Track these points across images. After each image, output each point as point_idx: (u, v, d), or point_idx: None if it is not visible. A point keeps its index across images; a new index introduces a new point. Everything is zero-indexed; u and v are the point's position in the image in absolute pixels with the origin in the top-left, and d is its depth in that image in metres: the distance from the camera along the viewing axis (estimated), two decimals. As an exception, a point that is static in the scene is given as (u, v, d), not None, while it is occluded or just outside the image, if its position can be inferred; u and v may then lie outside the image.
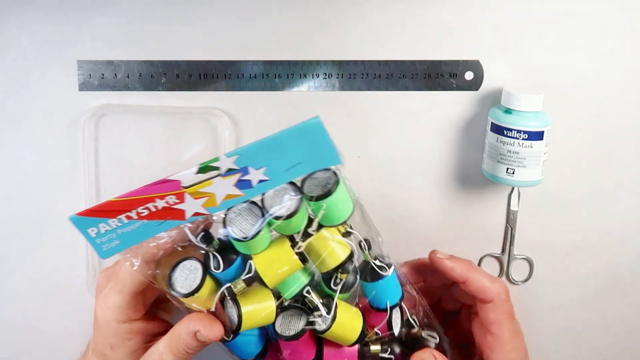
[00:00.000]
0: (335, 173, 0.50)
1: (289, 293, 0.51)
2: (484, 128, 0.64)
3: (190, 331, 0.50)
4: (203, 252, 0.51)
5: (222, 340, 0.52)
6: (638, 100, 0.65)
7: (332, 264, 0.51)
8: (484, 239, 0.68)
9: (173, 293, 0.50)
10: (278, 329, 0.51)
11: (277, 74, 0.62)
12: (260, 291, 0.51)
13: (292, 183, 0.49)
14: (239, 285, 0.50)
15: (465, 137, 0.65)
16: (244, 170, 0.48)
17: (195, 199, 0.48)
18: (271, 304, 0.51)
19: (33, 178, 0.63)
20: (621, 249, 0.68)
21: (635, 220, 0.68)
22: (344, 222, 0.51)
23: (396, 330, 0.55)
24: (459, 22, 0.62)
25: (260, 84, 0.62)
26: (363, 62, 0.62)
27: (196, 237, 0.50)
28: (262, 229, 0.49)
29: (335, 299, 0.52)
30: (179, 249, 0.51)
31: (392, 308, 0.54)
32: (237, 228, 0.49)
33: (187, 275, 0.50)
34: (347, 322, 0.52)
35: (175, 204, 0.48)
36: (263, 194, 0.49)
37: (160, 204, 0.48)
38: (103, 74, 0.61)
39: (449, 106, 0.64)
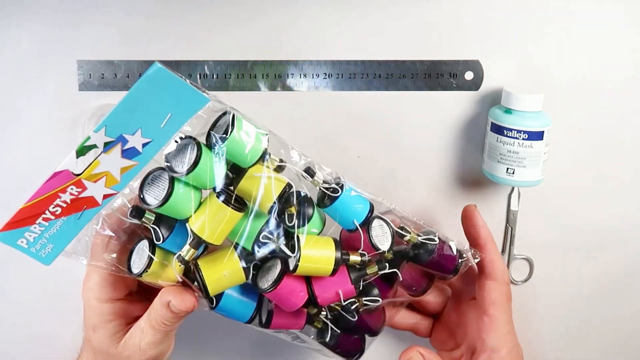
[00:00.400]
0: (230, 113, 0.50)
1: (248, 243, 0.51)
2: (484, 128, 0.64)
3: (164, 302, 0.51)
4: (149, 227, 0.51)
5: (211, 308, 0.52)
6: (638, 100, 0.65)
7: (268, 200, 0.50)
8: (484, 239, 0.68)
9: (130, 276, 0.51)
10: (259, 284, 0.51)
11: (277, 74, 0.62)
12: (222, 252, 0.51)
13: (191, 137, 0.49)
14: (189, 252, 0.50)
15: (465, 137, 0.65)
16: (122, 139, 0.48)
17: (95, 182, 0.49)
18: (235, 262, 0.51)
19: (33, 178, 0.63)
20: (621, 248, 0.68)
21: (635, 220, 0.68)
22: (262, 158, 0.51)
23: (385, 245, 0.53)
24: (459, 22, 0.62)
25: (261, 84, 0.62)
26: (363, 62, 0.62)
27: (127, 216, 0.50)
28: (174, 189, 0.48)
29: (296, 234, 0.51)
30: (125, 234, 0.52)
31: (362, 226, 0.53)
32: (151, 196, 0.49)
33: (141, 255, 0.51)
34: (316, 253, 0.51)
35: (80, 192, 0.49)
36: (167, 157, 0.49)
37: (67, 197, 0.48)
38: (103, 74, 0.61)
39: (449, 106, 0.64)
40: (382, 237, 0.54)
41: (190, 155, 0.49)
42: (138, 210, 0.50)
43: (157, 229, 0.51)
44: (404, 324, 0.63)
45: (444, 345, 0.62)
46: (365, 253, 0.53)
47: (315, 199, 0.54)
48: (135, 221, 0.50)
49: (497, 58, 0.63)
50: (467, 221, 0.59)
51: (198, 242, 0.50)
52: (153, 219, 0.51)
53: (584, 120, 0.65)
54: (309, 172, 0.53)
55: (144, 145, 0.49)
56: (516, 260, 0.68)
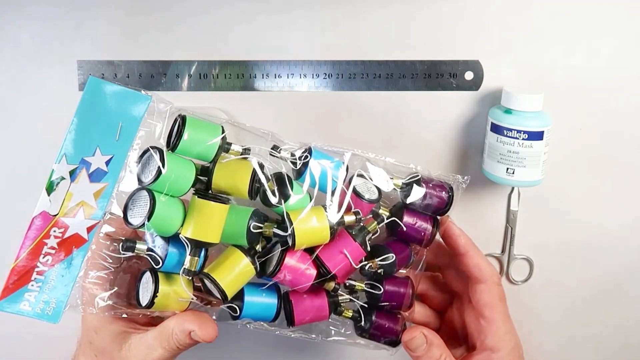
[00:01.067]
0: (178, 115, 0.51)
1: (242, 238, 0.51)
2: (484, 128, 0.64)
3: (185, 330, 0.50)
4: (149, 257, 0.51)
5: (234, 318, 0.52)
6: (638, 100, 0.65)
7: (243, 184, 0.51)
8: (484, 239, 0.67)
9: (141, 310, 0.51)
10: (266, 270, 0.52)
11: (277, 74, 0.62)
12: (224, 254, 0.51)
13: (152, 147, 0.50)
14: (193, 262, 0.50)
15: (465, 137, 0.65)
16: (84, 163, 0.48)
17: (74, 216, 0.48)
18: (241, 257, 0.51)
19: (33, 178, 0.63)
20: (621, 249, 0.68)
21: (635, 221, 0.68)
22: (225, 145, 0.51)
23: (373, 196, 0.54)
24: (459, 22, 0.62)
25: (261, 84, 0.62)
26: (363, 62, 0.62)
27: (120, 252, 0.50)
28: (156, 202, 0.48)
29: (285, 211, 0.51)
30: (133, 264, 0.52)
31: (343, 182, 0.53)
32: (136, 216, 0.49)
33: (146, 288, 0.51)
34: (309, 224, 0.51)
35: (64, 232, 0.48)
36: (138, 175, 0.49)
37: (52, 242, 0.48)
38: (103, 74, 0.61)
39: (449, 106, 0.64)
40: (369, 190, 0.54)
41: (154, 165, 0.49)
42: (129, 242, 0.50)
43: (153, 254, 0.50)
44: (418, 319, 0.63)
45: (447, 344, 0.62)
46: (359, 210, 0.53)
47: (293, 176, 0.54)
48: (130, 254, 0.50)
49: (497, 58, 0.63)
50: (445, 234, 0.59)
51: (197, 246, 0.50)
52: (145, 248, 0.51)
53: (584, 120, 0.65)
54: (275, 148, 0.53)
55: (107, 162, 0.49)
56: (516, 260, 0.68)
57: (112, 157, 0.48)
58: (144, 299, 0.50)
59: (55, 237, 0.48)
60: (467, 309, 0.60)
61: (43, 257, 0.48)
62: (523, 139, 0.59)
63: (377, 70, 0.63)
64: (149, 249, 0.50)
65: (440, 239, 0.60)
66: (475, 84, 0.63)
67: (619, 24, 0.63)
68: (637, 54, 0.63)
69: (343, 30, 0.62)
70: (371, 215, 0.55)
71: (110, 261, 0.51)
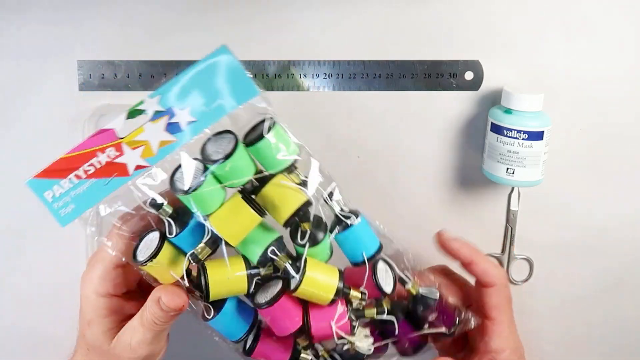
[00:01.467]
0: (270, 118, 0.50)
1: (255, 255, 0.51)
2: (484, 128, 0.64)
3: (155, 298, 0.50)
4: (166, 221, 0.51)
5: (204, 319, 0.52)
6: (638, 100, 0.65)
7: (288, 210, 0.50)
8: (484, 239, 0.67)
9: (133, 262, 0.51)
10: (257, 299, 0.51)
11: (277, 74, 0.62)
12: (231, 259, 0.51)
13: (229, 131, 0.50)
14: (204, 251, 0.50)
15: (465, 137, 0.65)
16: (170, 112, 0.49)
17: (133, 149, 0.49)
18: (241, 268, 0.50)
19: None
20: (621, 249, 0.68)
21: (635, 220, 0.68)
22: (291, 167, 0.51)
23: (388, 288, 0.52)
24: (459, 22, 0.62)
25: (260, 84, 0.62)
26: (363, 62, 0.62)
27: (145, 203, 0.50)
28: (204, 181, 0.48)
29: (305, 254, 0.51)
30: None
31: (370, 260, 0.53)
32: (183, 184, 0.48)
33: (148, 246, 0.51)
34: (319, 278, 0.50)
35: (116, 157, 0.49)
36: (203, 146, 0.49)
37: (103, 158, 0.48)
38: (103, 74, 0.61)
39: (449, 106, 0.64)
40: (385, 280, 0.53)
41: (226, 147, 0.49)
42: (157, 204, 0.50)
43: (172, 223, 0.50)
44: None
45: (446, 350, 0.62)
46: (367, 292, 0.52)
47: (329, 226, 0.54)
48: (152, 210, 0.50)
49: (497, 58, 0.63)
50: (445, 250, 0.59)
51: (215, 241, 0.49)
52: (170, 212, 0.51)
53: (584, 120, 0.65)
54: (329, 194, 0.53)
55: (188, 123, 0.49)
56: (516, 260, 0.68)
57: (194, 122, 0.49)
58: (142, 256, 0.50)
59: (108, 156, 0.48)
60: (471, 312, 0.60)
61: (87, 165, 0.48)
62: (523, 139, 0.59)
63: (377, 70, 0.63)
64: (172, 216, 0.51)
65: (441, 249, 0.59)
66: (475, 84, 0.63)
67: (619, 24, 0.63)
68: (637, 54, 0.63)
69: (343, 30, 0.62)
70: (374, 301, 0.54)
71: (133, 212, 0.52)
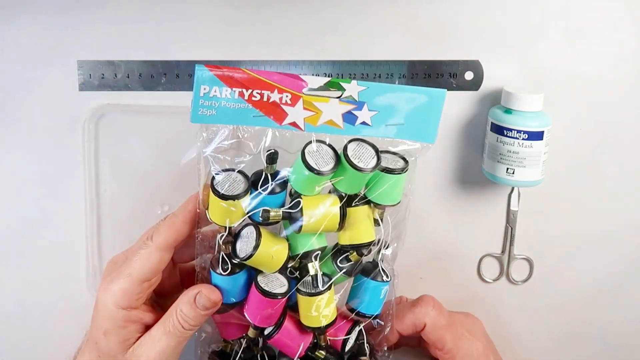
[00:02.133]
0: (407, 161, 0.53)
1: (302, 248, 0.52)
2: (484, 128, 0.64)
3: (190, 297, 0.51)
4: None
5: (213, 270, 0.52)
6: (638, 100, 0.65)
7: (356, 239, 0.52)
8: (484, 239, 0.68)
9: (213, 192, 0.50)
10: (262, 284, 0.52)
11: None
12: (277, 238, 0.52)
13: (374, 147, 0.51)
14: (276, 214, 0.50)
15: (465, 137, 0.65)
16: (360, 105, 0.49)
17: (304, 109, 0.49)
18: (284, 252, 0.51)
19: (33, 178, 0.63)
20: (621, 248, 0.68)
21: (635, 220, 0.68)
22: (389, 206, 0.53)
23: (347, 346, 0.55)
24: (459, 22, 0.62)
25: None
26: (363, 62, 0.62)
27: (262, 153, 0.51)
28: (329, 171, 0.49)
29: (336, 276, 0.52)
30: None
31: (362, 316, 0.55)
32: (313, 161, 0.49)
33: (230, 184, 0.51)
34: (327, 303, 0.52)
35: (285, 104, 0.49)
36: (346, 145, 0.50)
37: (275, 97, 0.49)
38: (103, 74, 0.61)
39: (449, 106, 0.64)
40: (352, 340, 0.56)
41: (368, 158, 0.50)
42: (273, 157, 0.51)
43: (269, 177, 0.51)
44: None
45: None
46: (329, 339, 0.55)
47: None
48: (263, 160, 0.50)
49: (497, 58, 0.63)
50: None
51: (292, 217, 0.50)
52: (280, 213, 0.51)
53: (584, 120, 0.65)
54: (386, 244, 0.55)
55: (362, 122, 0.50)
56: (516, 260, 0.68)
57: (369, 126, 0.50)
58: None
59: (281, 99, 0.49)
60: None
61: (256, 92, 0.48)
62: (523, 139, 0.59)
63: (377, 70, 0.63)
64: (284, 213, 0.51)
65: None
66: (475, 84, 0.63)
67: (619, 23, 0.63)
68: (637, 54, 0.63)
69: (343, 30, 0.62)
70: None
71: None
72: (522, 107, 0.59)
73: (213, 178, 0.51)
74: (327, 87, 0.49)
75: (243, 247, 0.51)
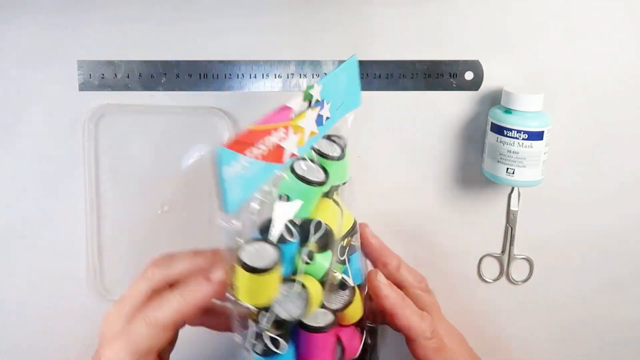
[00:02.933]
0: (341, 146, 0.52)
1: (320, 272, 0.49)
2: (484, 128, 0.64)
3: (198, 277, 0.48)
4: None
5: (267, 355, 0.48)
6: (638, 100, 0.65)
7: (347, 225, 0.52)
8: (484, 239, 0.68)
9: (244, 268, 0.44)
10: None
11: (277, 74, 0.62)
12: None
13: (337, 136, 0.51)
14: (311, 248, 0.47)
15: (465, 137, 0.65)
16: (321, 104, 0.48)
17: (295, 134, 0.46)
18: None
19: (33, 178, 0.63)
20: (621, 248, 0.68)
21: (635, 220, 0.68)
22: (342, 184, 0.52)
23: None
24: (459, 22, 0.62)
25: (261, 84, 0.62)
26: (363, 62, 0.62)
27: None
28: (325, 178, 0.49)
29: (350, 275, 0.52)
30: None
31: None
32: (312, 176, 0.48)
33: (259, 256, 0.45)
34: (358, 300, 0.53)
35: (281, 140, 0.44)
36: (314, 145, 0.49)
37: (273, 139, 0.43)
38: (103, 74, 0.61)
39: (449, 106, 0.64)
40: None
41: (337, 151, 0.51)
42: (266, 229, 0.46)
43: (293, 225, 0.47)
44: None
45: None
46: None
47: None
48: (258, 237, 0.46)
49: (497, 58, 0.63)
50: (372, 293, 0.56)
51: (325, 241, 0.48)
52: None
53: (584, 120, 0.65)
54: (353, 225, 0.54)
55: (326, 119, 0.49)
56: (516, 260, 0.68)
57: (328, 118, 0.49)
58: (259, 264, 0.44)
59: (279, 137, 0.44)
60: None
61: (260, 144, 0.42)
62: (523, 139, 0.59)
63: (377, 70, 0.63)
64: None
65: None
66: (475, 84, 0.63)
67: (619, 23, 0.63)
68: (637, 54, 0.63)
69: (343, 30, 0.62)
70: None
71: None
72: (522, 107, 0.59)
73: (238, 251, 0.45)
74: (305, 100, 0.47)
75: (294, 303, 0.47)
